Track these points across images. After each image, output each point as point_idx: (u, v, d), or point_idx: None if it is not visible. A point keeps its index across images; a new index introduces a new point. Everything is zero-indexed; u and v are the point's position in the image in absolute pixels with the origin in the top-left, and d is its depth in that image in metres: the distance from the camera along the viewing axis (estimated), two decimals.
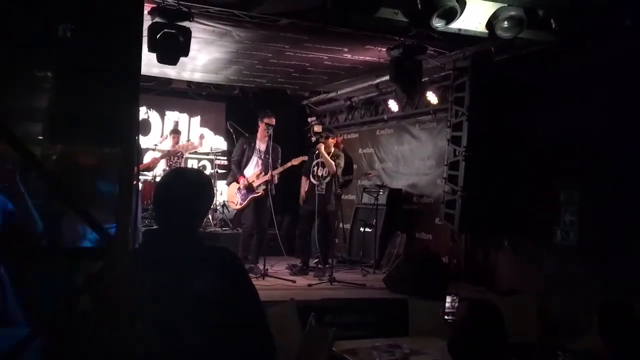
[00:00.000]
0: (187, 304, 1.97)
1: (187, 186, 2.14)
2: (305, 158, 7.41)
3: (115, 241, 1.89)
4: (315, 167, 7.33)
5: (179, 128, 10.14)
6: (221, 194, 9.41)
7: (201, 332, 1.96)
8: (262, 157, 7.07)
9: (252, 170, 7.08)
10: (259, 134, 7.11)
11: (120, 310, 1.89)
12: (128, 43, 1.98)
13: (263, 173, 7.01)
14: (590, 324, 3.38)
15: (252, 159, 7.10)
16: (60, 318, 1.80)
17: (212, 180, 9.91)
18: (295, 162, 7.26)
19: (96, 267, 2.00)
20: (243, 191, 7.02)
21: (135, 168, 6.87)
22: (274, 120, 6.98)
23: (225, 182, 8.18)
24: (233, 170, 7.33)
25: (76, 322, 1.88)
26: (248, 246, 7.04)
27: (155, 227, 2.19)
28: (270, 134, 6.95)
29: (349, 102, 9.88)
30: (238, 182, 7.08)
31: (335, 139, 7.74)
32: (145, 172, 8.71)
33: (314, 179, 7.29)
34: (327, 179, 7.22)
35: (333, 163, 7.24)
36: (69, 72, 2.29)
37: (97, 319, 1.99)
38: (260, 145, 7.09)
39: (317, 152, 7.35)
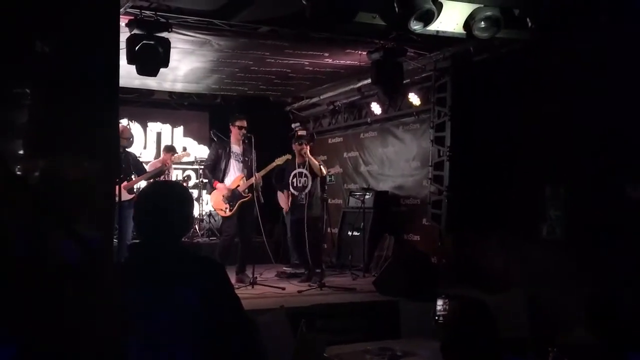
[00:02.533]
0: (173, 315, 1.95)
1: (167, 198, 2.13)
2: (289, 157, 7.36)
3: (100, 255, 1.87)
4: (294, 179, 7.24)
5: (170, 143, 10.06)
6: (207, 204, 9.38)
7: (188, 344, 1.95)
8: (242, 160, 6.96)
9: (234, 175, 6.92)
10: (232, 138, 6.99)
11: (107, 323, 1.87)
12: (105, 56, 1.97)
13: (246, 177, 6.91)
14: (579, 317, 3.41)
15: (230, 163, 6.94)
16: (47, 336, 1.78)
17: (198, 190, 9.93)
18: (280, 161, 7.22)
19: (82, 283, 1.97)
20: (229, 197, 6.86)
21: (130, 180, 6.82)
22: (245, 122, 6.92)
23: (207, 191, 8.11)
24: (207, 175, 7.19)
25: (62, 339, 1.85)
26: (227, 254, 6.85)
27: (138, 240, 2.18)
28: (248, 139, 6.85)
29: (332, 107, 9.90)
30: (215, 188, 6.91)
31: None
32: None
33: (295, 190, 7.21)
34: (308, 189, 7.15)
35: (317, 164, 7.22)
36: (46, 87, 2.27)
37: (86, 334, 1.97)
38: (236, 148, 6.97)
39: (291, 161, 7.26)
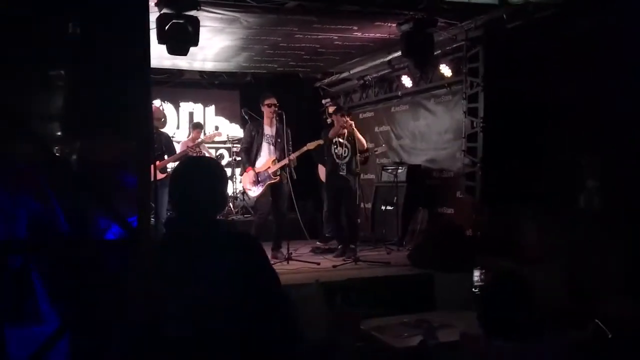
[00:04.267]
0: (211, 289, 1.99)
1: (202, 174, 2.16)
2: (321, 142, 7.37)
3: (138, 233, 1.92)
4: (337, 148, 7.24)
5: (199, 121, 10.16)
6: (240, 182, 9.46)
7: (226, 317, 1.99)
8: (274, 142, 6.97)
9: (265, 157, 6.96)
10: (265, 119, 6.99)
11: (149, 297, 1.92)
12: (136, 38, 1.99)
13: (277, 158, 6.95)
14: (619, 288, 3.36)
15: (263, 145, 6.95)
16: (90, 311, 1.84)
17: (231, 169, 10.02)
18: (311, 146, 7.23)
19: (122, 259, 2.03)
20: (259, 178, 6.92)
21: (162, 160, 6.92)
22: (275, 100, 6.90)
23: (239, 172, 8.16)
24: (242, 159, 7.22)
25: (105, 314, 1.92)
26: (262, 232, 6.91)
27: (174, 215, 2.22)
28: (279, 116, 6.84)
29: (362, 81, 9.82)
30: (247, 172, 6.97)
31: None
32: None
33: (337, 158, 7.23)
34: (347, 158, 7.17)
35: (362, 139, 7.22)
36: (80, 69, 2.31)
37: (125, 308, 2.03)
38: (268, 129, 6.98)
39: (335, 132, 7.25)
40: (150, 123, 2.08)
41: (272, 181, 6.91)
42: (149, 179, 2.00)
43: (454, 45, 7.45)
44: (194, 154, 8.60)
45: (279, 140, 6.94)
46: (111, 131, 2.07)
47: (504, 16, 6.44)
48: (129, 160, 2.15)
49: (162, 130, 7.67)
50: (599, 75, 5.76)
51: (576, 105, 6.07)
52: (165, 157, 7.39)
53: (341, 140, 7.22)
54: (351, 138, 7.20)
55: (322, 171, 8.29)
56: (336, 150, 7.22)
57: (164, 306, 1.99)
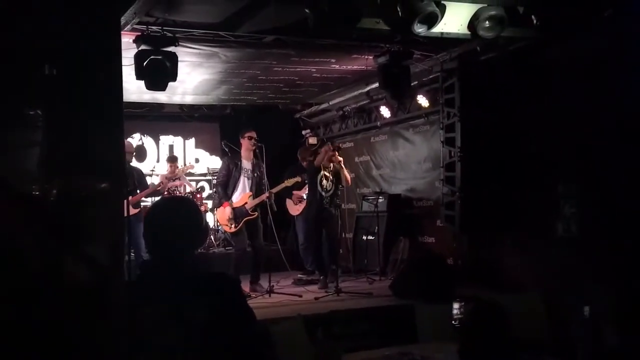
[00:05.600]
0: (185, 333, 1.96)
1: (176, 214, 2.15)
2: (299, 179, 7.44)
3: (110, 275, 1.89)
4: (323, 181, 7.28)
5: (175, 154, 10.15)
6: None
7: None
8: (251, 176, 6.94)
9: (242, 192, 6.90)
10: (243, 152, 6.97)
11: (120, 344, 1.89)
12: (109, 76, 2.00)
13: (254, 194, 6.90)
14: (603, 317, 3.38)
15: (240, 180, 6.90)
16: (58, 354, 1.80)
17: (212, 201, 9.97)
18: (289, 183, 7.28)
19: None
20: (235, 214, 6.83)
21: (135, 195, 6.80)
22: (254, 133, 6.92)
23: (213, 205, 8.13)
24: (219, 192, 7.09)
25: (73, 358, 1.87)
26: (240, 266, 6.86)
27: (149, 257, 2.19)
28: (259, 148, 6.84)
29: (341, 112, 9.91)
30: (224, 207, 6.88)
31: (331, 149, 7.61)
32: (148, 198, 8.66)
33: (323, 191, 7.26)
34: (331, 192, 7.21)
35: (348, 176, 7.37)
36: (55, 109, 2.31)
37: (96, 353, 1.99)
38: (246, 164, 6.95)
39: (317, 164, 7.32)
40: (123, 161, 2.07)
41: (249, 217, 6.87)
42: (122, 218, 1.98)
43: (430, 77, 7.57)
44: (168, 188, 8.58)
45: (256, 174, 6.93)
46: (84, 170, 2.06)
47: (478, 48, 6.58)
48: (102, 199, 2.13)
49: (140, 163, 7.62)
50: (572, 103, 5.88)
51: (551, 132, 6.18)
52: (138, 191, 7.32)
53: (327, 173, 7.26)
54: (337, 172, 7.25)
55: (290, 205, 8.32)
56: (322, 184, 7.24)
57: (137, 350, 1.95)
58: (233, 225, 6.87)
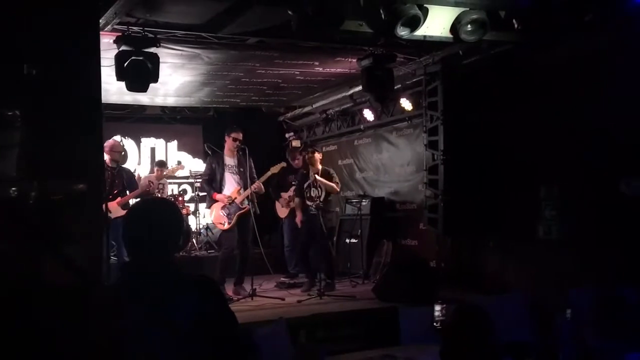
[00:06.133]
0: (167, 336, 1.93)
1: (155, 216, 2.12)
2: (284, 165, 7.38)
3: (89, 278, 1.86)
4: (308, 189, 7.22)
5: (161, 158, 10.05)
6: (204, 217, 9.35)
7: None
8: (237, 171, 6.90)
9: (230, 187, 6.86)
10: (226, 150, 6.93)
11: (99, 345, 1.86)
12: (88, 77, 1.97)
13: (242, 188, 6.86)
14: (583, 318, 3.41)
15: (225, 176, 6.87)
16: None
17: (195, 204, 9.91)
18: (275, 169, 7.23)
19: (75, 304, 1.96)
20: (228, 210, 6.82)
21: (124, 196, 6.72)
22: (241, 135, 6.87)
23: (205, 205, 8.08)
24: (205, 189, 7.09)
25: None
26: (227, 267, 6.82)
27: (129, 260, 2.16)
28: (242, 150, 6.80)
29: (324, 115, 9.91)
30: (216, 200, 6.85)
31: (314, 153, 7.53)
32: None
33: (308, 200, 7.18)
34: (321, 199, 7.11)
35: (335, 185, 7.18)
36: (34, 110, 2.27)
37: (77, 357, 1.95)
38: (230, 160, 6.90)
39: (307, 172, 7.28)
40: (102, 163, 2.03)
41: (242, 211, 6.78)
42: (102, 221, 1.95)
43: (414, 80, 7.60)
44: (157, 190, 8.51)
45: (242, 169, 6.88)
46: (63, 172, 2.02)
47: (460, 52, 6.61)
48: (81, 202, 2.10)
49: (123, 165, 7.53)
50: (554, 107, 5.94)
51: (532, 135, 6.23)
52: (127, 192, 7.25)
53: (315, 181, 7.18)
54: (329, 176, 7.21)
55: (278, 207, 8.31)
56: (311, 193, 7.18)
57: (118, 353, 1.92)
58: (227, 222, 6.82)
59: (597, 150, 5.45)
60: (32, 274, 2.33)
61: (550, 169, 6.04)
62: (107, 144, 7.31)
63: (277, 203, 8.31)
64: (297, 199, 7.55)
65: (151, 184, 7.72)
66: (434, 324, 3.60)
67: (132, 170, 9.28)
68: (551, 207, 5.99)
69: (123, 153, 7.54)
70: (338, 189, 7.34)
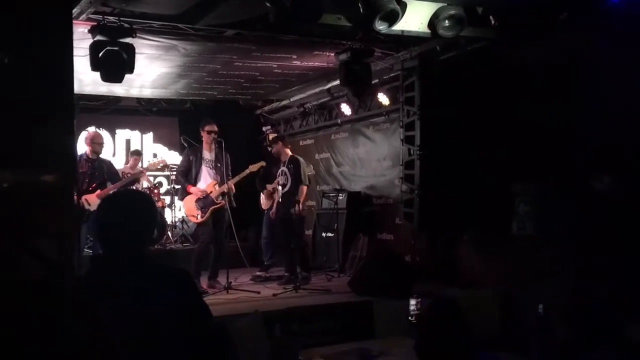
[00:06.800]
0: (140, 328, 1.92)
1: (126, 209, 2.09)
2: (264, 164, 7.37)
3: (60, 271, 1.83)
4: (279, 177, 7.31)
5: (139, 149, 9.93)
6: (180, 210, 9.28)
7: (157, 356, 1.92)
8: (213, 166, 6.86)
9: (206, 181, 6.82)
10: (204, 144, 6.88)
11: (73, 338, 1.83)
12: (60, 66, 1.93)
13: (218, 183, 6.83)
14: (554, 314, 3.47)
15: (202, 170, 6.82)
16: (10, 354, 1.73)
17: (170, 197, 9.82)
18: (254, 168, 7.20)
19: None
20: (201, 203, 6.77)
21: (105, 188, 6.60)
22: (215, 127, 6.82)
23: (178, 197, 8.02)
24: (180, 181, 7.07)
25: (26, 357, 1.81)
26: (202, 260, 6.79)
27: (101, 252, 2.13)
28: (218, 143, 6.77)
29: (302, 109, 9.89)
30: (190, 193, 6.81)
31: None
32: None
33: (278, 185, 7.25)
34: (287, 188, 7.16)
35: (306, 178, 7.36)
36: (4, 98, 2.22)
37: (50, 351, 1.92)
38: (207, 154, 6.86)
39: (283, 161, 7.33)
40: (74, 155, 1.99)
41: (216, 206, 6.74)
42: (74, 213, 1.92)
43: (391, 75, 7.62)
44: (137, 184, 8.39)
45: (219, 164, 6.84)
46: (34, 164, 1.98)
47: (438, 48, 6.64)
48: (51, 193, 2.06)
49: (102, 157, 7.38)
50: (530, 103, 6.00)
51: (508, 132, 6.29)
52: (109, 184, 7.10)
53: (283, 168, 7.22)
54: (291, 166, 7.24)
55: (262, 199, 8.30)
56: (279, 181, 7.22)
57: (91, 346, 1.89)
58: (200, 215, 6.77)
59: (571, 146, 5.52)
60: (2, 265, 2.28)
61: (525, 165, 6.11)
62: (88, 135, 7.19)
63: (262, 195, 8.26)
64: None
65: (142, 172, 7.61)
66: (409, 317, 3.64)
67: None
68: (525, 203, 6.07)
69: (103, 144, 7.37)
70: (308, 182, 7.45)
